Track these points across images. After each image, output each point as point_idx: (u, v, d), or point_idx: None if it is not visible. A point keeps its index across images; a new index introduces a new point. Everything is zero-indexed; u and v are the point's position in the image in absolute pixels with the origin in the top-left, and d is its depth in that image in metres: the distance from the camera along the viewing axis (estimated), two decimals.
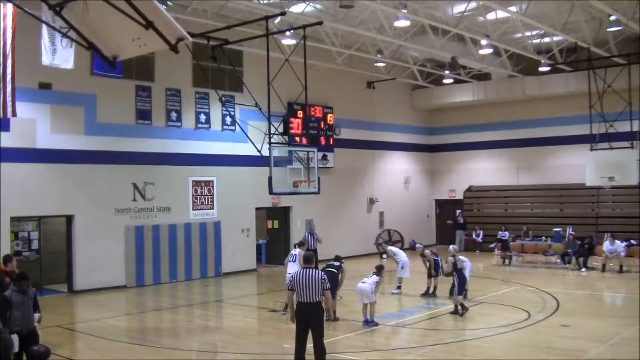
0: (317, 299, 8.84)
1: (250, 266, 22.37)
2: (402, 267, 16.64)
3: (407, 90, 29.77)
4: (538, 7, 18.17)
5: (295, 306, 9.01)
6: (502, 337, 11.81)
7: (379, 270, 13.24)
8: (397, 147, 29.03)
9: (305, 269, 9.03)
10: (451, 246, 14.70)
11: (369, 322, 12.74)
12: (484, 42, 20.44)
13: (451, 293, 13.84)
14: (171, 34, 4.83)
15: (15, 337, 8.27)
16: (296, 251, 14.18)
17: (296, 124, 23.31)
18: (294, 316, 9.04)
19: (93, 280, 18.22)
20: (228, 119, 21.47)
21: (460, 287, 13.70)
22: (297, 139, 22.77)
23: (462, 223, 27.85)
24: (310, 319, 8.87)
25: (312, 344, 8.89)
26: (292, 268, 13.66)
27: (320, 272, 9.10)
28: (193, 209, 20.76)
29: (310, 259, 9.30)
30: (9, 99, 11.25)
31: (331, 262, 13.76)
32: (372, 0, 16.65)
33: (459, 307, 13.58)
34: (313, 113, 24.16)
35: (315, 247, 19.63)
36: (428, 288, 16.25)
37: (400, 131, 29.27)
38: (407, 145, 29.66)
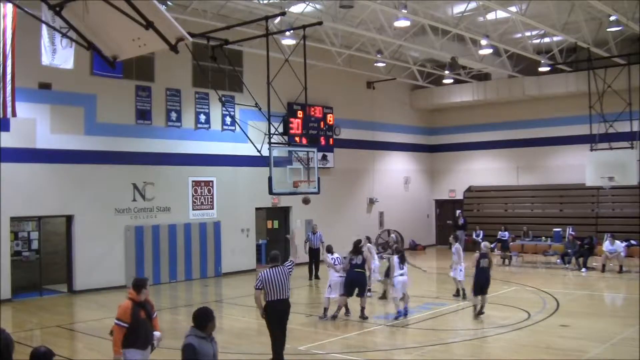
0: (288, 295, 9.25)
1: (250, 266, 22.37)
2: (374, 270, 16.21)
3: (407, 90, 29.77)
4: (538, 7, 18.17)
5: (265, 305, 9.18)
6: (502, 337, 11.81)
7: (402, 255, 13.58)
8: (397, 147, 29.03)
9: (272, 268, 9.23)
10: (483, 243, 14.52)
11: (403, 313, 13.35)
12: (484, 42, 20.44)
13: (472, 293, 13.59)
14: (171, 34, 4.82)
15: None
16: (334, 255, 14.17)
17: (296, 124, 23.31)
18: (264, 313, 9.23)
19: (93, 280, 18.22)
20: (228, 119, 21.47)
21: (476, 287, 13.37)
22: (297, 139, 22.77)
23: (462, 223, 27.83)
24: (285, 315, 9.26)
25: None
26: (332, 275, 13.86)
27: (285, 268, 9.32)
28: (193, 209, 20.76)
29: (275, 258, 9.46)
30: (9, 99, 11.24)
31: (354, 261, 13.57)
32: (372, 0, 16.65)
33: (475, 308, 13.45)
34: (313, 113, 24.16)
35: (318, 246, 19.70)
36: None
37: (400, 131, 29.27)
38: (407, 145, 29.66)
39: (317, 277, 19.85)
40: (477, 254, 13.82)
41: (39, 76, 16.74)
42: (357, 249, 13.77)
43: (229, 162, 21.65)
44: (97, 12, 4.80)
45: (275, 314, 9.14)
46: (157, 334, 7.57)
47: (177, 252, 19.95)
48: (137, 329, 7.28)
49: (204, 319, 5.93)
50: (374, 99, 27.72)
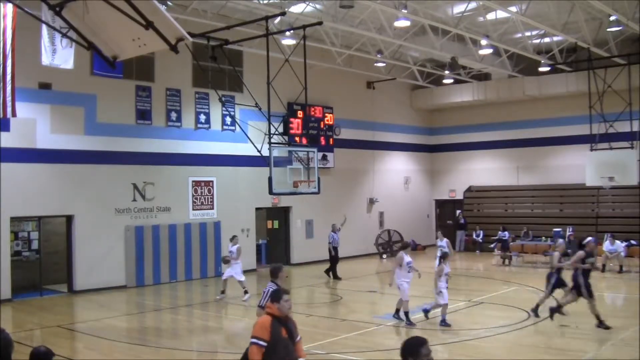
0: None
1: (250, 266, 22.29)
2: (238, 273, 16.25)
3: (407, 90, 29.78)
4: (538, 7, 18.17)
5: None
6: (502, 337, 11.80)
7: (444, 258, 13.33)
8: (397, 147, 29.04)
9: (271, 282, 7.92)
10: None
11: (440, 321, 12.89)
12: (484, 42, 20.45)
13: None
14: (171, 34, 4.83)
15: None
16: (408, 258, 13.29)
17: (296, 124, 23.32)
18: None
19: (93, 280, 18.21)
20: (228, 119, 21.47)
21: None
22: (297, 139, 22.78)
23: (462, 223, 27.86)
24: None
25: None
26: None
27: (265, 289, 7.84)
28: (193, 209, 20.76)
29: (273, 272, 8.07)
30: (9, 99, 11.24)
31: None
32: (372, 0, 16.66)
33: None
34: (313, 113, 24.16)
35: (337, 245, 20.37)
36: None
37: (400, 131, 29.27)
38: (407, 145, 29.67)
39: (337, 278, 20.14)
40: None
41: (39, 76, 16.74)
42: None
43: (229, 162, 21.64)
44: (97, 12, 4.81)
45: None
46: None
47: (177, 252, 19.95)
48: (274, 349, 5.90)
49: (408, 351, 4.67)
50: (374, 99, 27.73)
